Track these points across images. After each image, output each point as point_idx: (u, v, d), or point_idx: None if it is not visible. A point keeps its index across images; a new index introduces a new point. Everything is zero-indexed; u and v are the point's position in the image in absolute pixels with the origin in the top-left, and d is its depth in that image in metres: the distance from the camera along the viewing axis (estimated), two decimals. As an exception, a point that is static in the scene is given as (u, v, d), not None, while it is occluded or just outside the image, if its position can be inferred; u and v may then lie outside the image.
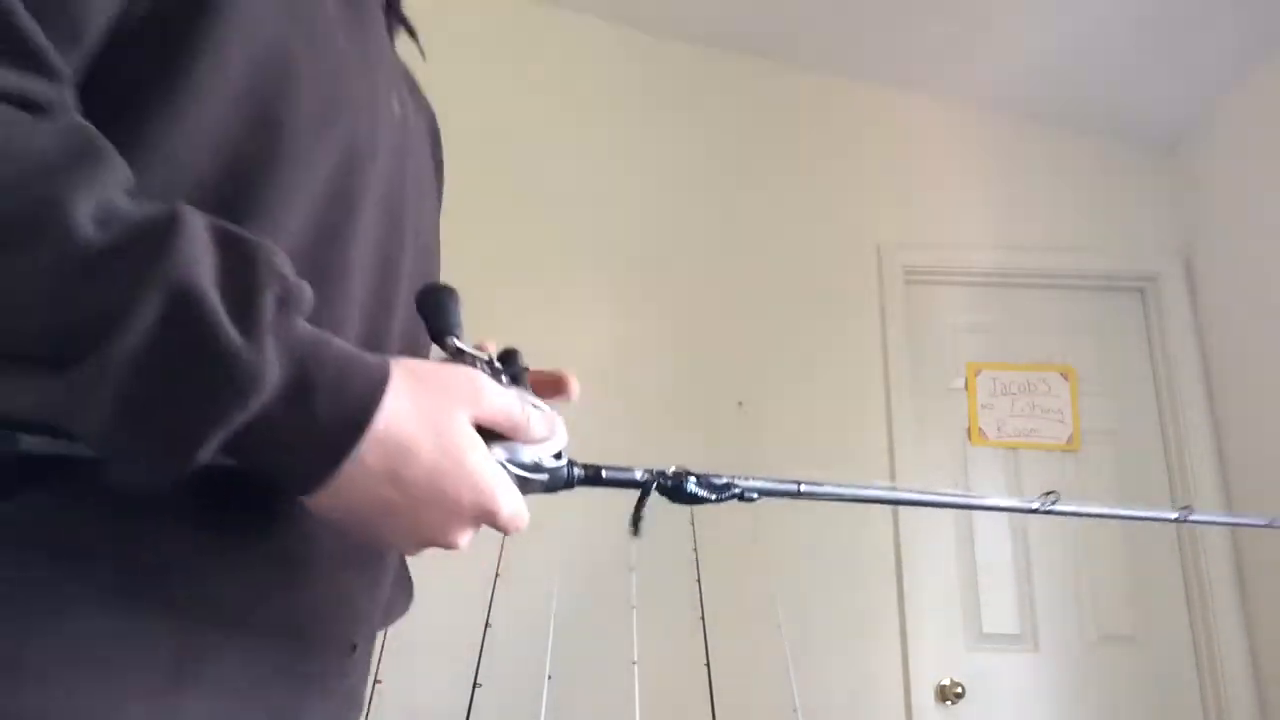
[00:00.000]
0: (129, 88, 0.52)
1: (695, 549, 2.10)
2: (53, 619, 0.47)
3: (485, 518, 0.53)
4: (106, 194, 0.45)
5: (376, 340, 0.65)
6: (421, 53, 0.83)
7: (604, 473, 0.65)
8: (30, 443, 0.45)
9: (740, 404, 2.70)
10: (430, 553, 0.56)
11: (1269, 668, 2.56)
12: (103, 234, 0.43)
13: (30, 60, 0.47)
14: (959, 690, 2.58)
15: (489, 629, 1.85)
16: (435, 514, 0.51)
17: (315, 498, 0.48)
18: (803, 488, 0.74)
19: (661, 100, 3.07)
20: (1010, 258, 3.01)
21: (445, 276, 0.99)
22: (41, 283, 0.43)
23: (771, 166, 3.04)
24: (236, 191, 0.54)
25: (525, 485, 0.57)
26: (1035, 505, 0.89)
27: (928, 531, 2.72)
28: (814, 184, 3.03)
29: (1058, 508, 0.88)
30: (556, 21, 3.03)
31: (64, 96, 0.49)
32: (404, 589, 0.73)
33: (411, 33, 0.80)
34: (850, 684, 2.53)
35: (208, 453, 0.44)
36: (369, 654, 0.70)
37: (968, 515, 2.80)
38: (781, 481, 0.75)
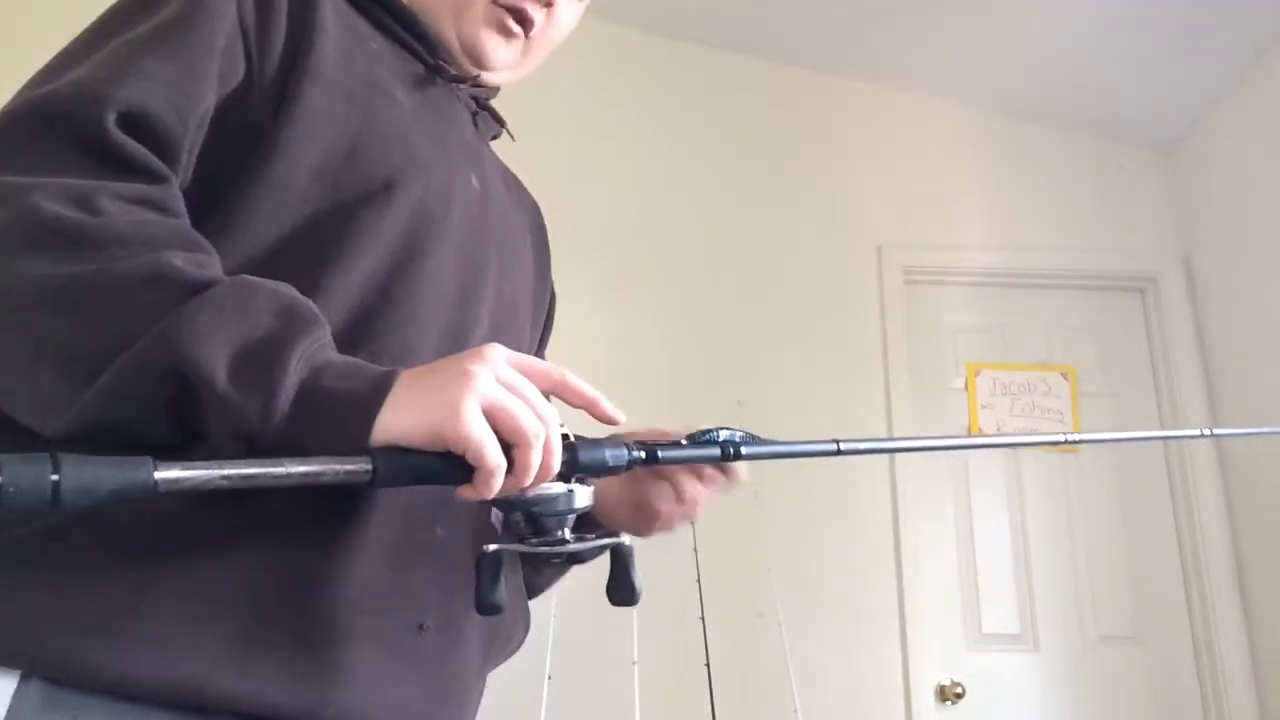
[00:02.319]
0: (226, 185, 0.67)
1: (695, 549, 2.10)
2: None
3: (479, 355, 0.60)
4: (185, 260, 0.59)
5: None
6: (510, 135, 0.97)
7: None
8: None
9: (740, 404, 2.70)
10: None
11: (1269, 668, 2.56)
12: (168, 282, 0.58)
13: (136, 171, 0.62)
14: (959, 690, 2.58)
15: (489, 629, 1.84)
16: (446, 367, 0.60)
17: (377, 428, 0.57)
18: (843, 445, 0.74)
19: (661, 100, 3.07)
20: (1010, 258, 3.01)
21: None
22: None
23: (772, 167, 3.03)
24: (317, 247, 0.68)
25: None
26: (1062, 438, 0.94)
27: (928, 531, 2.72)
28: (814, 184, 3.03)
29: (1086, 436, 0.90)
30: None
31: (170, 193, 0.63)
32: (519, 618, 0.81)
33: (502, 124, 0.95)
34: (850, 684, 2.53)
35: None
36: (460, 638, 0.72)
37: (968, 515, 2.80)
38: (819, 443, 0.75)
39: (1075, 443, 0.83)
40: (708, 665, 1.91)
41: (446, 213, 0.77)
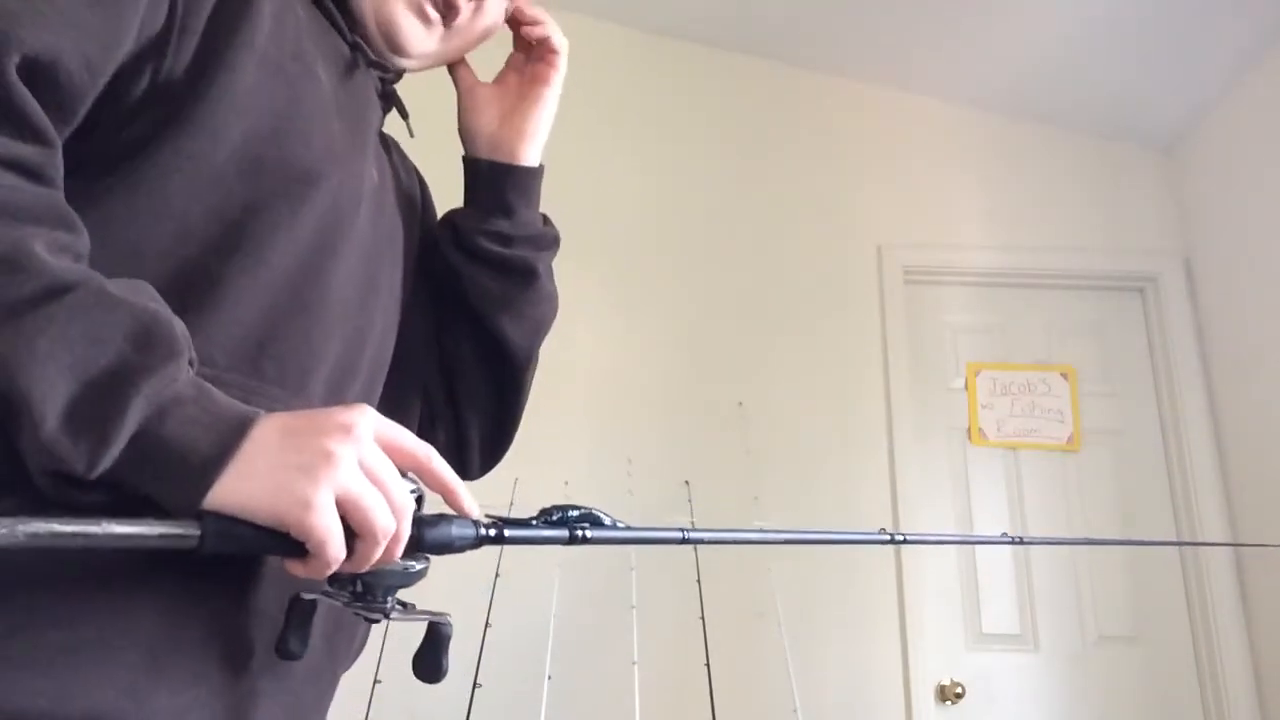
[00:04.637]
0: (131, 150, 0.61)
1: (695, 549, 2.10)
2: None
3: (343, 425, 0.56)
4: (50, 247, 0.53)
5: (350, 366, 0.74)
6: (410, 131, 0.93)
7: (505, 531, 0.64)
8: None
9: (740, 404, 2.70)
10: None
11: (1269, 668, 2.56)
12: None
13: (22, 129, 0.55)
14: (959, 690, 2.58)
15: (489, 629, 1.85)
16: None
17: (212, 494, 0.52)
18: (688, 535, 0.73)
19: (661, 100, 3.07)
20: (1010, 258, 3.01)
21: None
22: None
23: (771, 166, 3.04)
24: (223, 233, 0.63)
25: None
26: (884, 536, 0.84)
27: (928, 532, 2.72)
28: (814, 184, 3.03)
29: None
30: (556, 22, 3.02)
31: (52, 161, 0.57)
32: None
33: (404, 114, 0.90)
34: (850, 683, 2.53)
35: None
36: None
37: (968, 515, 2.80)
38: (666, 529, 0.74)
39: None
40: (708, 665, 1.91)
41: (355, 212, 0.73)
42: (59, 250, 0.53)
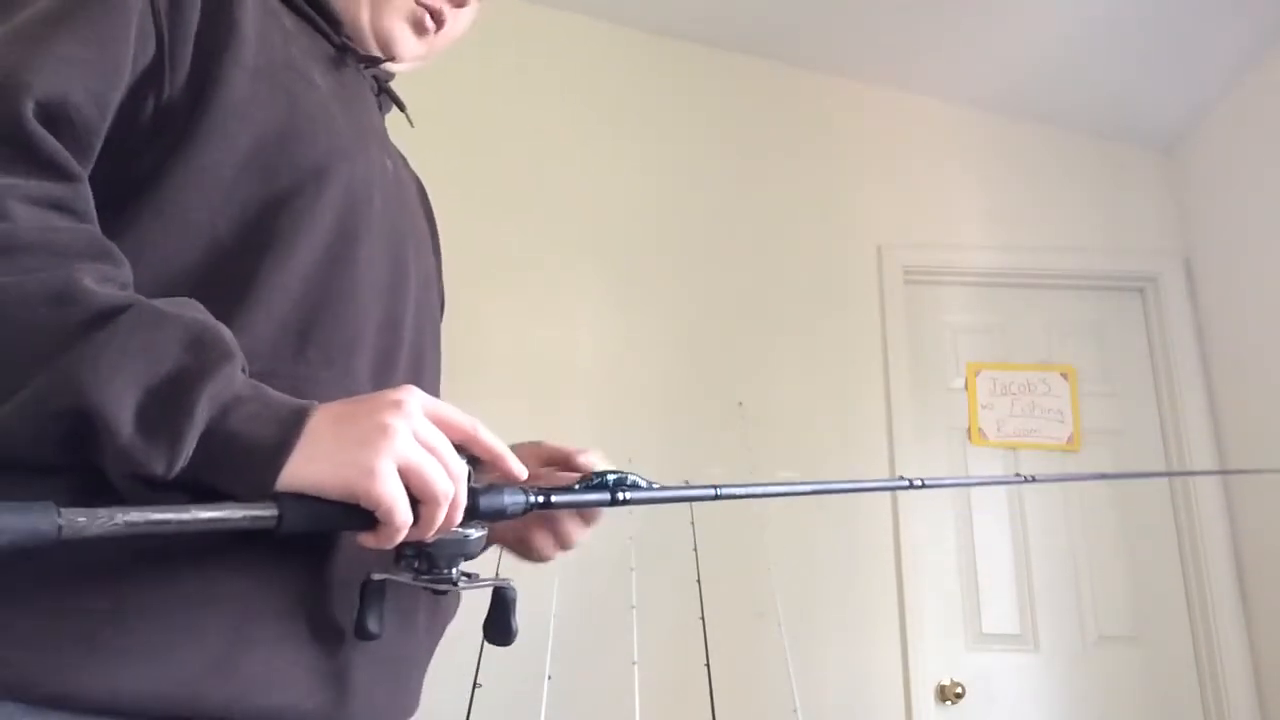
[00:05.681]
0: (150, 175, 0.65)
1: (695, 549, 2.10)
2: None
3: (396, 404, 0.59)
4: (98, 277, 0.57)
5: (390, 347, 0.77)
6: (410, 121, 0.98)
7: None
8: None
9: (740, 404, 2.70)
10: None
11: (1269, 668, 2.56)
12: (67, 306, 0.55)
13: (50, 170, 0.59)
14: (959, 690, 2.58)
15: (489, 629, 1.84)
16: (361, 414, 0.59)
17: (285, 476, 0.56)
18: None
19: (661, 100, 3.07)
20: (1010, 258, 3.01)
21: (449, 277, 1.01)
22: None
23: (771, 166, 3.03)
24: (249, 235, 0.67)
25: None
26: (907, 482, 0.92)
27: (928, 531, 2.73)
28: (814, 184, 3.03)
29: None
30: (556, 22, 3.03)
31: (81, 194, 0.61)
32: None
33: (401, 107, 0.95)
34: (850, 684, 2.53)
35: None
36: (411, 626, 0.74)
37: (968, 515, 2.80)
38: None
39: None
40: (708, 665, 1.91)
41: (370, 198, 0.77)
42: (104, 281, 0.57)
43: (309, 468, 0.55)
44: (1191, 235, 3.02)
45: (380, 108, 0.90)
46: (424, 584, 0.64)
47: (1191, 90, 2.90)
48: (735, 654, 2.09)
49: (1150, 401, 2.92)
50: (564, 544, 0.84)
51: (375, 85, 0.89)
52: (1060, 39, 2.79)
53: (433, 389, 0.85)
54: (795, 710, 1.99)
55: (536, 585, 2.02)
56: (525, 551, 0.86)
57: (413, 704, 0.76)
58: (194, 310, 0.59)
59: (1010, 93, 3.05)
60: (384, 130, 0.90)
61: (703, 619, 1.97)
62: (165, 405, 0.53)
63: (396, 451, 0.56)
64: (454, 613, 0.81)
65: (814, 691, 2.33)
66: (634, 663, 1.87)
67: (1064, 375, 2.94)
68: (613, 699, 1.88)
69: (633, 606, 1.98)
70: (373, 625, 0.63)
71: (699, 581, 2.05)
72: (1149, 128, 3.08)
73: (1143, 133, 3.10)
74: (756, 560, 2.35)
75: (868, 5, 2.81)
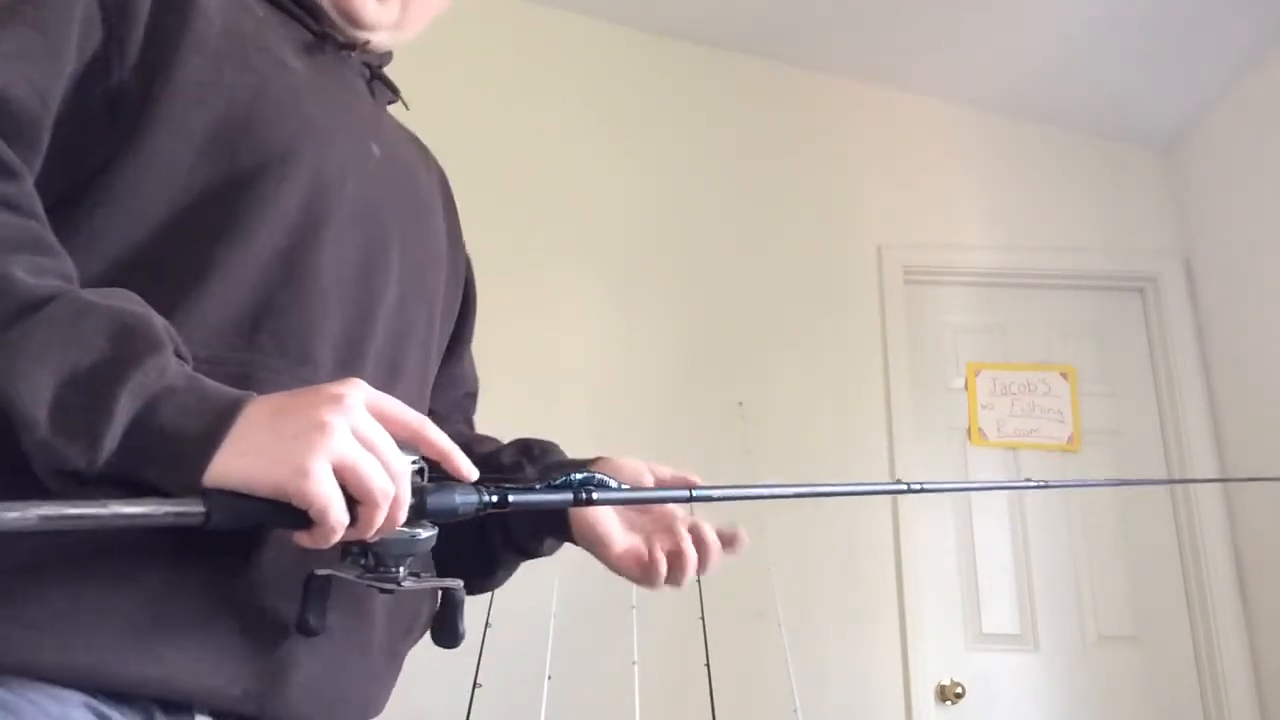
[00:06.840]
0: (104, 165, 0.64)
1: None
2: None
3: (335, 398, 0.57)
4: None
5: (359, 336, 0.74)
6: (405, 104, 0.96)
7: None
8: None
9: (740, 404, 2.70)
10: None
11: (1269, 668, 2.56)
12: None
13: None
14: (959, 690, 2.58)
15: (489, 629, 1.85)
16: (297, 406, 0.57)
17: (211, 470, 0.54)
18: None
19: (661, 100, 3.07)
20: (1010, 258, 3.01)
21: (446, 276, 1.00)
22: None
23: (771, 166, 3.03)
24: (206, 220, 0.66)
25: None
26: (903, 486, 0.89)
27: (928, 531, 2.73)
28: (814, 184, 3.03)
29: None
30: (556, 22, 3.03)
31: (24, 189, 0.59)
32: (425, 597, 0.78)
33: (395, 92, 0.93)
34: (850, 684, 2.53)
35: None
36: (367, 616, 0.72)
37: (968, 515, 2.80)
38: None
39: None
40: (708, 665, 1.91)
41: (343, 183, 0.75)
42: (41, 273, 0.55)
43: (239, 462, 0.53)
44: (1191, 235, 3.02)
45: (375, 95, 0.89)
46: (369, 581, 0.62)
47: (1191, 90, 2.90)
48: (735, 654, 2.09)
49: (1150, 401, 2.92)
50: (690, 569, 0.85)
51: (368, 73, 0.88)
52: (1060, 39, 2.79)
53: (415, 381, 0.82)
54: (795, 710, 1.99)
55: (537, 585, 2.02)
56: (646, 571, 0.85)
57: (374, 703, 0.73)
58: (125, 300, 0.57)
59: (1010, 93, 3.05)
60: (376, 117, 0.88)
61: (703, 619, 1.97)
62: (84, 397, 0.52)
63: (332, 449, 0.54)
64: (427, 613, 0.78)
65: (814, 691, 2.33)
66: (634, 663, 1.87)
67: (1064, 375, 2.94)
68: (613, 699, 1.88)
69: (633, 606, 1.97)
70: (314, 621, 0.62)
71: (699, 581, 2.05)
72: (1149, 128, 3.08)
73: (1143, 133, 3.10)
74: (756, 560, 2.35)
75: (868, 5, 2.81)
